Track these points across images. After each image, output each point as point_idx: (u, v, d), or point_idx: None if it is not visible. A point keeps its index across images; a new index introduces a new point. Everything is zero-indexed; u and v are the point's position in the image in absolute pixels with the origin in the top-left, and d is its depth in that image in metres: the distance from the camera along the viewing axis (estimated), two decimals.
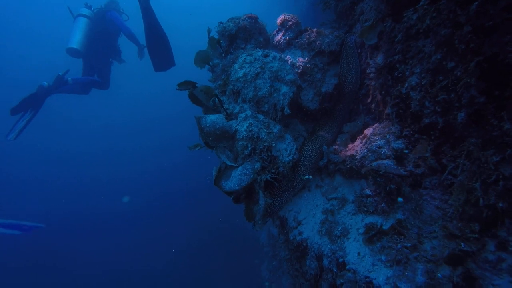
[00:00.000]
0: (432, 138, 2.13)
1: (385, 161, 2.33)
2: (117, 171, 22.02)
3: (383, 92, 2.61)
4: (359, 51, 3.09)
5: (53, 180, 20.92)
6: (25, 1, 24.69)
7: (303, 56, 3.17)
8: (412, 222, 2.17)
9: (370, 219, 2.38)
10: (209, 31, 3.39)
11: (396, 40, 2.28)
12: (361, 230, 2.33)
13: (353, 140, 2.97)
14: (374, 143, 2.53)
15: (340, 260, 2.28)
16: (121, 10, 7.94)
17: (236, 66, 2.72)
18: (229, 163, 2.28)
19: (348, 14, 3.55)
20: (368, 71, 2.71)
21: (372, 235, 2.24)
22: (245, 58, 2.70)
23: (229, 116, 2.68)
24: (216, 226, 14.55)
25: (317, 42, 3.11)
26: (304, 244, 2.50)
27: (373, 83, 2.67)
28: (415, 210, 2.21)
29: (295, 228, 2.59)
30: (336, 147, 2.91)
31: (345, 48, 3.06)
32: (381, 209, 2.34)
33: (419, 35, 2.07)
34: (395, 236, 2.16)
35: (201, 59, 3.34)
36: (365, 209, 2.44)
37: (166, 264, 14.29)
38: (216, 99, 2.76)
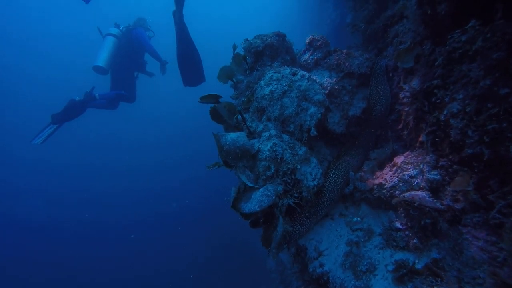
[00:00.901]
0: (475, 170, 1.94)
1: (419, 193, 2.14)
2: (133, 185, 22.24)
3: (417, 119, 2.46)
4: (391, 75, 2.96)
5: (84, 190, 21.31)
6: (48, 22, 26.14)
7: (331, 77, 3.07)
8: (450, 264, 1.95)
9: (400, 255, 2.16)
10: (234, 47, 3.36)
11: (436, 64, 2.14)
12: (390, 267, 2.11)
13: (380, 167, 2.79)
14: (406, 173, 2.35)
15: None
16: (148, 27, 8.23)
17: (262, 83, 2.65)
18: (250, 184, 2.14)
19: (378, 37, 3.46)
20: (401, 95, 2.57)
21: (403, 274, 2.02)
22: (272, 75, 2.62)
23: (252, 135, 2.57)
24: (223, 246, 14.31)
25: (347, 64, 3.01)
26: (325, 278, 2.29)
27: (406, 109, 2.52)
28: (453, 250, 1.99)
29: (316, 259, 2.39)
30: (363, 174, 2.74)
31: (376, 71, 2.95)
32: (413, 245, 2.13)
33: (464, 58, 1.94)
34: (430, 277, 1.94)
35: (225, 75, 3.30)
36: (395, 243, 2.23)
37: (168, 279, 14.03)
38: (239, 116, 2.67)
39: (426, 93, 2.33)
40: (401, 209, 2.20)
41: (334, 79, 3.04)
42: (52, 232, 18.18)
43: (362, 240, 2.34)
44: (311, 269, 2.38)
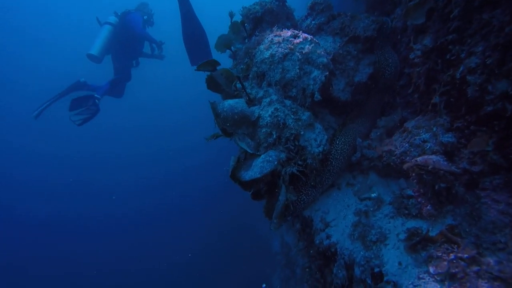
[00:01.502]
0: (496, 129, 1.78)
1: (432, 156, 1.99)
2: (126, 175, 22.10)
3: (429, 80, 2.28)
4: (399, 37, 2.77)
5: (69, 183, 21.15)
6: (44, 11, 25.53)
7: (334, 42, 2.88)
8: (467, 230, 1.81)
9: (412, 223, 2.03)
10: (232, 15, 3.16)
11: (451, 16, 1.95)
12: (402, 236, 1.98)
13: (389, 135, 2.64)
14: (418, 137, 2.19)
15: (376, 270, 1.94)
16: (150, 11, 7.92)
17: (261, 47, 2.46)
18: (250, 151, 2.00)
19: (383, 2, 3.24)
20: (411, 56, 2.39)
21: (416, 242, 1.89)
22: (272, 39, 2.43)
23: (252, 102, 2.41)
24: (226, 233, 14.33)
25: (351, 27, 2.81)
26: (333, 250, 2.17)
27: (417, 69, 2.34)
28: (470, 215, 1.85)
29: (322, 230, 2.26)
30: (370, 142, 2.59)
31: (383, 33, 2.75)
32: (426, 212, 1.99)
33: (485, 7, 1.75)
34: (446, 244, 1.81)
35: (223, 43, 3.11)
36: (406, 211, 2.09)
37: (171, 267, 14.13)
38: (238, 84, 2.50)
39: (439, 50, 2.15)
40: (413, 174, 2.05)
41: (338, 44, 2.85)
42: (49, 227, 18.15)
43: (371, 209, 2.20)
44: (317, 241, 2.26)
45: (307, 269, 3.64)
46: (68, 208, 19.17)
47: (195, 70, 2.77)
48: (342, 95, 2.82)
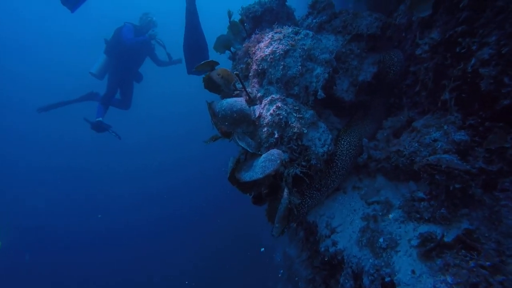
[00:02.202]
0: None
1: (445, 156, 1.85)
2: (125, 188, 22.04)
3: (438, 75, 2.17)
4: (403, 34, 2.67)
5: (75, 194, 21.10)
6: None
7: (337, 41, 2.78)
8: (487, 235, 1.67)
9: (425, 228, 1.88)
10: (230, 14, 3.07)
11: (461, 6, 1.85)
12: (414, 242, 1.83)
13: (396, 136, 2.51)
14: (428, 136, 2.06)
15: (387, 279, 1.79)
16: (148, 19, 7.89)
17: (261, 44, 2.36)
18: (251, 150, 1.87)
19: (386, 1, 3.16)
20: (418, 51, 2.28)
21: (430, 249, 1.74)
22: (272, 36, 2.33)
23: (252, 101, 2.29)
24: (227, 244, 14.14)
25: (354, 25, 2.71)
26: (339, 257, 2.01)
27: (425, 65, 2.23)
28: (489, 219, 1.71)
29: (328, 237, 2.11)
30: (377, 143, 2.46)
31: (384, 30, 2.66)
32: (440, 216, 1.84)
33: None
34: (464, 251, 1.66)
35: (222, 44, 3.02)
36: (418, 215, 1.94)
37: (171, 279, 13.86)
38: (237, 83, 2.39)
39: (448, 44, 2.04)
40: (425, 175, 1.91)
41: (341, 43, 2.75)
42: (50, 237, 17.99)
43: (380, 213, 2.06)
44: (322, 249, 2.11)
45: (310, 282, 3.47)
46: (72, 219, 19.06)
47: (193, 70, 2.67)
48: (345, 96, 2.70)
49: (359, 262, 1.93)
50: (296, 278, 3.68)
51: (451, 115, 2.03)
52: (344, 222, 2.11)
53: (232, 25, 3.05)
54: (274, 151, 1.82)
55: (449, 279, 1.59)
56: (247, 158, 1.98)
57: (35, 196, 20.58)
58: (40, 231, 18.06)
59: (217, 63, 2.50)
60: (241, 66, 2.61)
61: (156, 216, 18.77)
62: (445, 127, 2.01)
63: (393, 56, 2.68)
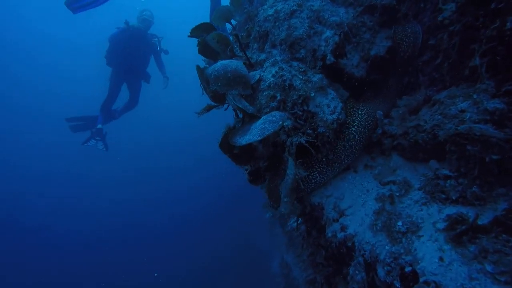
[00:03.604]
0: None
1: (478, 125, 1.58)
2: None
3: (465, 40, 1.91)
4: (422, 5, 2.43)
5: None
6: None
7: (347, 13, 2.53)
8: None
9: (452, 209, 1.58)
10: None
11: None
12: (441, 225, 1.53)
13: (413, 114, 2.24)
14: (453, 107, 1.79)
15: (407, 269, 1.48)
16: (142, 15, 7.89)
17: (265, 6, 2.12)
18: (250, 111, 1.59)
19: None
20: (440, 17, 2.03)
21: (461, 232, 1.44)
22: None
23: (252, 67, 2.03)
24: (224, 252, 13.85)
25: None
26: (349, 244, 1.70)
27: (450, 28, 1.97)
28: None
29: (336, 220, 1.81)
30: (391, 120, 2.18)
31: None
32: (471, 195, 1.55)
33: None
34: (504, 235, 1.36)
35: (222, 16, 2.77)
36: (443, 195, 1.65)
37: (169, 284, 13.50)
38: (236, 47, 2.14)
39: (478, 2, 1.79)
40: (452, 147, 1.63)
41: (352, 15, 2.51)
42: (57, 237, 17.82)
43: (398, 194, 1.76)
44: (329, 234, 1.80)
45: (311, 283, 3.14)
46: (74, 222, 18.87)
47: (188, 37, 2.42)
48: (356, 71, 2.43)
49: (373, 250, 1.62)
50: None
51: (481, 84, 1.76)
52: (355, 204, 1.81)
53: None
54: (276, 113, 1.55)
55: (488, 267, 1.29)
56: (243, 124, 1.70)
57: (40, 197, 20.55)
58: (46, 232, 17.95)
59: (214, 28, 2.25)
60: (242, 34, 2.36)
61: (161, 218, 18.79)
62: (475, 96, 1.73)
63: (406, 27, 2.44)
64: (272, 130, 1.39)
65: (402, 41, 2.44)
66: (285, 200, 1.49)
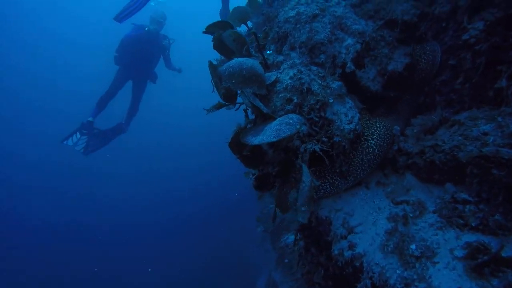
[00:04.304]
0: None
1: (504, 148, 1.49)
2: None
3: (491, 62, 1.84)
4: (444, 24, 2.38)
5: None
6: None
7: (367, 26, 2.48)
8: None
9: (471, 237, 1.47)
10: None
11: None
12: (459, 253, 1.42)
13: (428, 134, 2.15)
14: (475, 128, 1.70)
15: None
16: (157, 19, 7.90)
17: (286, 8, 2.05)
18: (264, 110, 1.49)
19: None
20: (465, 36, 1.97)
21: (483, 263, 1.33)
22: (299, 0, 2.03)
23: (269, 68, 1.95)
24: (209, 266, 13.60)
25: (388, 9, 2.43)
26: (357, 264, 1.58)
27: (476, 47, 1.91)
28: None
29: (344, 237, 1.69)
30: (406, 138, 2.09)
31: None
32: (494, 223, 1.44)
33: None
34: None
35: (239, 17, 2.71)
36: (461, 221, 1.54)
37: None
38: (251, 46, 2.06)
39: (509, 22, 1.73)
40: (474, 170, 1.54)
41: (371, 28, 2.45)
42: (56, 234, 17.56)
43: (411, 215, 1.65)
44: (336, 252, 1.68)
45: None
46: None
47: (203, 32, 2.34)
48: (372, 85, 2.36)
49: (382, 272, 1.50)
50: None
51: (507, 107, 1.68)
52: (365, 221, 1.70)
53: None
54: (293, 115, 1.45)
55: None
56: (256, 124, 1.60)
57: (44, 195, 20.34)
58: (47, 230, 17.67)
59: (231, 26, 2.17)
60: (259, 35, 2.29)
61: (156, 219, 18.65)
62: (499, 119, 1.65)
63: (425, 45, 2.39)
64: (288, 133, 1.29)
65: (420, 59, 2.39)
66: (302, 209, 1.38)
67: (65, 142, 6.90)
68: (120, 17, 5.92)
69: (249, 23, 2.75)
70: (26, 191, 20.42)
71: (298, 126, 1.32)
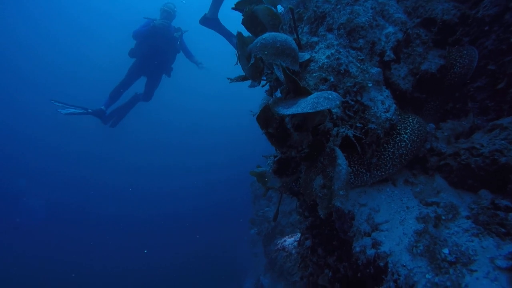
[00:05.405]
0: None
1: None
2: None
3: None
4: (486, 28, 2.27)
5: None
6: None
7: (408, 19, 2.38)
8: None
9: None
10: None
11: None
12: (501, 263, 1.28)
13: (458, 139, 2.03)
14: None
15: None
16: (167, 10, 7.83)
17: None
18: (301, 84, 1.36)
19: None
20: None
21: None
22: None
23: (302, 48, 1.83)
24: (202, 260, 13.48)
25: (427, 7, 2.33)
26: (381, 264, 1.44)
27: None
28: None
29: (368, 235, 1.55)
30: (437, 139, 1.96)
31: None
32: None
33: None
34: None
35: (270, 0, 2.61)
36: (503, 229, 1.40)
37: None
38: (285, 25, 1.94)
39: None
40: None
41: (408, 25, 2.34)
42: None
43: (444, 218, 1.52)
44: (357, 249, 1.54)
45: None
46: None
47: (232, 8, 2.24)
48: (402, 83, 2.23)
49: (409, 276, 1.36)
50: None
51: None
52: (392, 219, 1.56)
53: None
54: (332, 92, 1.32)
55: None
56: (287, 98, 1.47)
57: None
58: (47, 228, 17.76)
59: (262, 2, 2.06)
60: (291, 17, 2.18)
61: (145, 216, 18.90)
62: None
63: (461, 49, 2.28)
64: (327, 107, 1.16)
65: (455, 62, 2.27)
66: (340, 193, 1.24)
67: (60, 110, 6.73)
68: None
69: (279, 8, 2.65)
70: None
71: (338, 102, 1.19)
